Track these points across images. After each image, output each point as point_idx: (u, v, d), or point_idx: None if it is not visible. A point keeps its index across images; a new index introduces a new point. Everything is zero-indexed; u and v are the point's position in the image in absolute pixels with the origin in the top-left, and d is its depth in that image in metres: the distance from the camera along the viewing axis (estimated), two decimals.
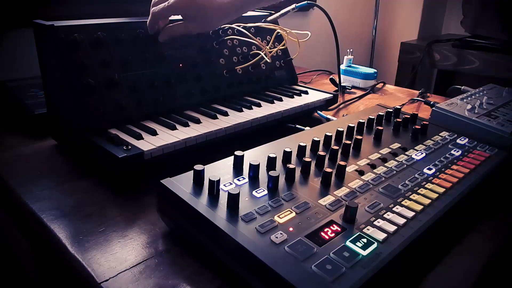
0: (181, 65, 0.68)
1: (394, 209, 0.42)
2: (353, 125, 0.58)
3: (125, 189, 0.53)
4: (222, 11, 0.67)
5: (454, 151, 0.57)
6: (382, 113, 0.66)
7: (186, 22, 0.67)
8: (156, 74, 0.64)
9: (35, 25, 0.58)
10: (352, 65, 1.14)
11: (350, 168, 0.49)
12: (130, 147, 0.51)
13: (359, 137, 0.54)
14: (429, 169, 0.51)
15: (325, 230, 0.38)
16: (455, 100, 0.77)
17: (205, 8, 0.65)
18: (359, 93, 1.04)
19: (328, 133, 0.55)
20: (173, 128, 0.59)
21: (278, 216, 0.39)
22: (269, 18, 0.85)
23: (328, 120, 0.77)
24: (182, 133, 0.57)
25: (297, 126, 0.70)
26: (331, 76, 1.11)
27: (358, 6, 1.89)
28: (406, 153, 0.55)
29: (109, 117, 0.58)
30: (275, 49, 0.79)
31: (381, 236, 0.37)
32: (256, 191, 0.42)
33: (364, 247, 0.36)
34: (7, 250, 0.83)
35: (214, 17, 0.67)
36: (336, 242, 0.36)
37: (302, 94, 0.80)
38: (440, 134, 0.62)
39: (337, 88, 1.03)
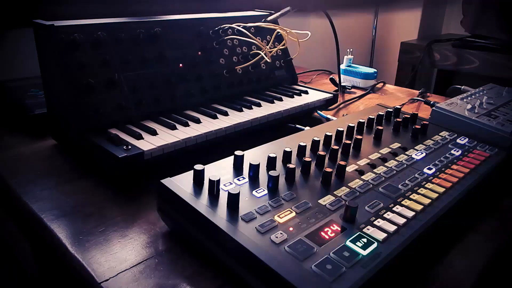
0: (181, 65, 0.68)
1: (394, 208, 0.42)
2: (353, 125, 0.58)
3: (125, 189, 0.53)
4: None
5: (454, 151, 0.57)
6: (382, 113, 0.66)
7: None
8: (156, 74, 0.64)
9: (35, 25, 0.58)
10: (352, 65, 1.14)
11: (350, 168, 0.49)
12: (130, 147, 0.51)
13: (359, 137, 0.54)
14: (429, 168, 0.51)
15: (325, 230, 0.38)
16: (455, 100, 0.77)
17: None
18: (359, 93, 1.04)
19: (328, 133, 0.55)
20: (173, 128, 0.59)
21: (278, 216, 0.39)
22: (269, 18, 0.85)
23: (328, 120, 0.77)
24: (182, 133, 0.57)
25: (297, 126, 0.70)
26: (331, 76, 1.11)
27: None
28: (406, 153, 0.55)
29: (109, 117, 0.58)
30: (275, 49, 0.79)
31: (381, 236, 0.37)
32: (256, 191, 0.42)
33: (364, 247, 0.36)
34: (7, 250, 0.83)
35: None
36: (336, 242, 0.36)
37: (302, 94, 0.80)
38: (440, 134, 0.62)
39: (337, 88, 1.03)
